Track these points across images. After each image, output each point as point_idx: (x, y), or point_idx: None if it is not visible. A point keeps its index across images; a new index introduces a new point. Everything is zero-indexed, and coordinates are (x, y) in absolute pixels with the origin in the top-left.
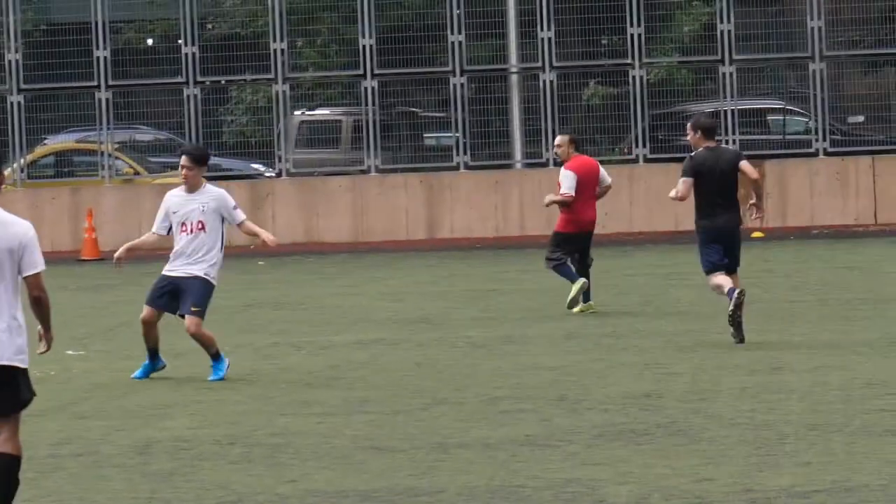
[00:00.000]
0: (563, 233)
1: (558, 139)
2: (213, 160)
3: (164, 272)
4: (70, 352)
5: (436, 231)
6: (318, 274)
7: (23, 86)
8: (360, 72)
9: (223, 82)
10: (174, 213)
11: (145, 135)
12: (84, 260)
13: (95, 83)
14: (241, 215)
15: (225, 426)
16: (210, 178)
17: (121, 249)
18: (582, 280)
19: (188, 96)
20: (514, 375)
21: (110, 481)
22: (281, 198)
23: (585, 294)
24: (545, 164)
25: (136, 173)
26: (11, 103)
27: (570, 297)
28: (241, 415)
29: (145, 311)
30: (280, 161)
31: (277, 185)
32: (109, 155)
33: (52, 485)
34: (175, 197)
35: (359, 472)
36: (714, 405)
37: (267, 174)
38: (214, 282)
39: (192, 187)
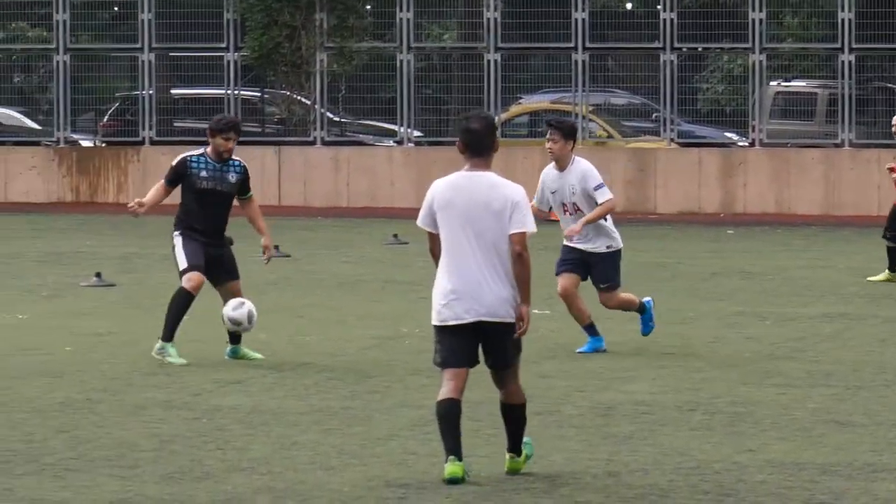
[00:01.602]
0: None
1: None
2: (686, 127)
3: (565, 243)
4: (535, 311)
5: None
6: (786, 245)
7: (500, 44)
8: (838, 45)
9: (700, 49)
10: (552, 192)
11: (619, 98)
12: (552, 220)
13: (572, 45)
14: (603, 195)
15: (686, 392)
16: (683, 146)
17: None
18: None
19: (664, 62)
20: None
21: (569, 441)
22: (753, 167)
23: (894, 264)
24: None
25: (610, 136)
26: (488, 61)
27: None
28: (702, 382)
29: (561, 281)
30: (754, 131)
31: (750, 155)
32: (584, 117)
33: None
34: (549, 174)
35: (818, 446)
36: None
37: (740, 143)
38: (617, 244)
39: (559, 162)
